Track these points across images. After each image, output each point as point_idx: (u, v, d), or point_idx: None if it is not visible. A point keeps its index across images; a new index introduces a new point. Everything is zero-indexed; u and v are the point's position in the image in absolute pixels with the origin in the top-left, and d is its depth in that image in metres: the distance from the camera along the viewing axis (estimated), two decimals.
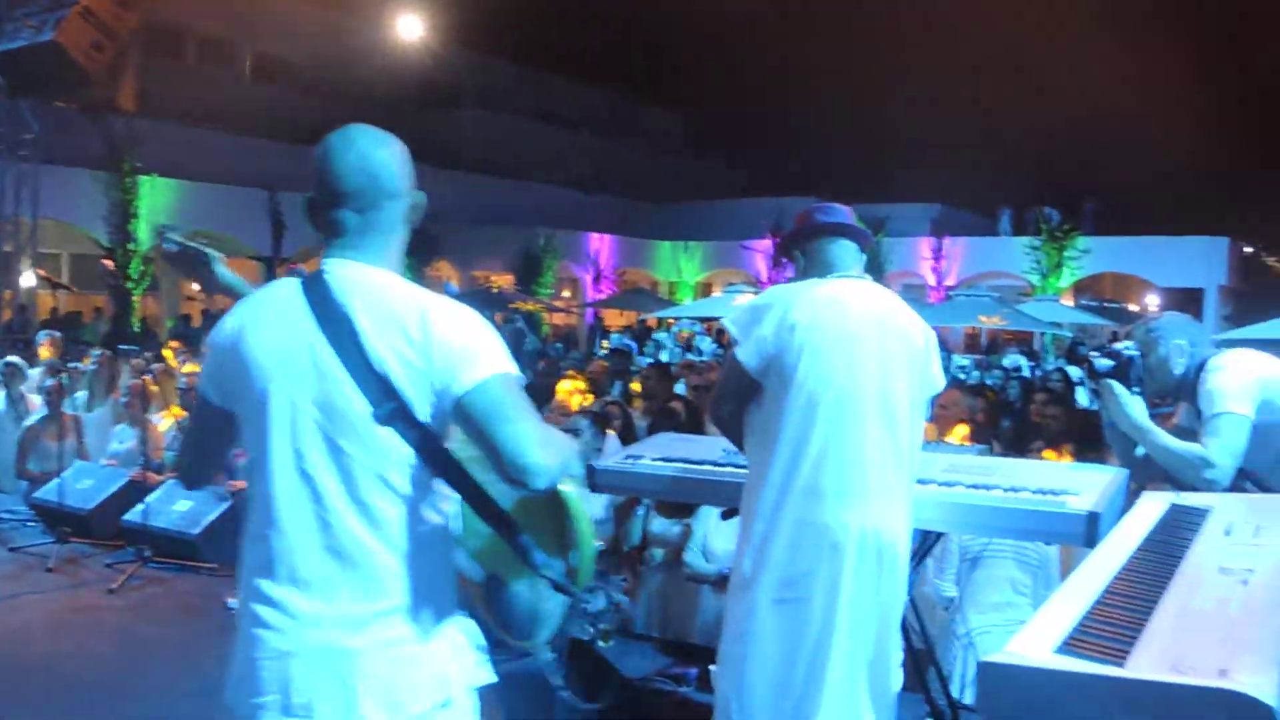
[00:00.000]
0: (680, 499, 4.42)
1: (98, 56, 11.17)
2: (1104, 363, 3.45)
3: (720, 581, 4.66)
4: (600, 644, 4.70)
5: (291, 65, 32.05)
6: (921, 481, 3.02)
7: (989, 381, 13.46)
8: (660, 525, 5.01)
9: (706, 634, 4.70)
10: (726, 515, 3.73)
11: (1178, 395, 3.62)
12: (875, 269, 25.56)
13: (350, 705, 1.82)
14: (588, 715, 3.33)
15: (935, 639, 4.09)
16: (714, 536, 4.65)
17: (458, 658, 1.95)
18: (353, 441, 1.84)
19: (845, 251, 2.97)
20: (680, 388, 7.59)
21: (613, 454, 5.73)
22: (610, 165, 37.24)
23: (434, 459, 1.88)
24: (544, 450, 1.81)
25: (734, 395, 2.90)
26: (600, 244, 32.54)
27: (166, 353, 10.68)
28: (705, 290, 36.06)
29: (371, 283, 1.92)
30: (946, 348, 18.88)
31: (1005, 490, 2.98)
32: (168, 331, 17.34)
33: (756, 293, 21.78)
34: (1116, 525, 2.38)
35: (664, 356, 14.17)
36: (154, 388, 7.67)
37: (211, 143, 23.75)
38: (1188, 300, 28.74)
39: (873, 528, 2.70)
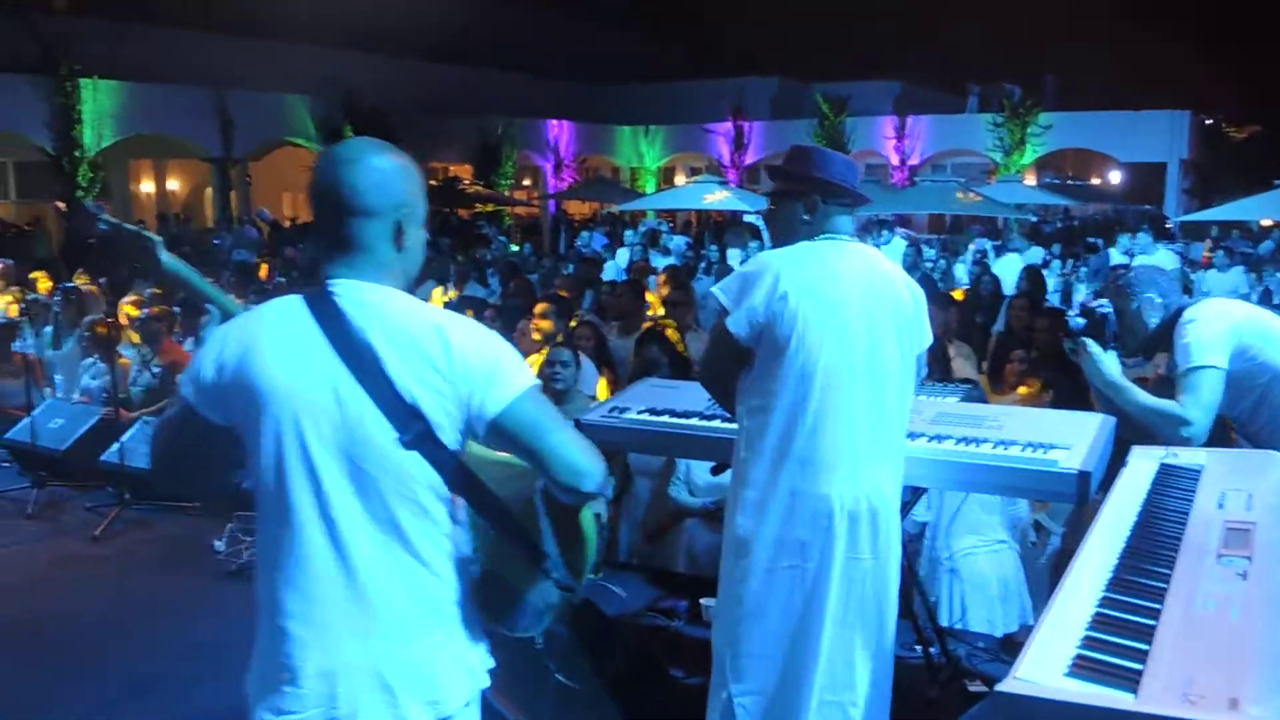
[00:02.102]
0: (668, 454, 4.44)
1: None
2: (1079, 321, 3.45)
3: (704, 514, 4.72)
4: (590, 575, 4.79)
5: None
6: (910, 435, 3.04)
7: (958, 266, 13.53)
8: (641, 458, 5.04)
9: (693, 563, 4.78)
10: (716, 471, 3.74)
11: (1155, 347, 3.65)
12: (838, 149, 25.34)
13: (395, 708, 1.90)
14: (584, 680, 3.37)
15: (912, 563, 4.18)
16: (697, 469, 4.69)
17: (480, 657, 2.04)
18: (377, 466, 1.87)
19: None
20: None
21: (588, 381, 5.76)
22: (560, 46, 36.22)
23: (457, 476, 1.94)
24: (587, 454, 1.93)
25: (724, 362, 2.90)
26: (559, 131, 31.97)
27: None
28: (668, 176, 35.69)
29: (384, 305, 1.91)
30: (911, 229, 18.93)
31: (995, 445, 3.01)
32: None
33: (723, 183, 21.64)
34: (1109, 496, 2.40)
35: (622, 258, 13.97)
36: (121, 319, 7.52)
37: (153, 39, 22.85)
38: (1150, 174, 28.85)
39: (865, 495, 2.74)
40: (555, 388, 5.19)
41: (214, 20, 25.07)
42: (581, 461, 1.90)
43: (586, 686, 3.12)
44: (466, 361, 1.89)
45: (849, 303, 2.77)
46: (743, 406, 2.89)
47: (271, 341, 1.89)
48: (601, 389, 5.74)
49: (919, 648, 3.66)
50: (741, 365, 2.86)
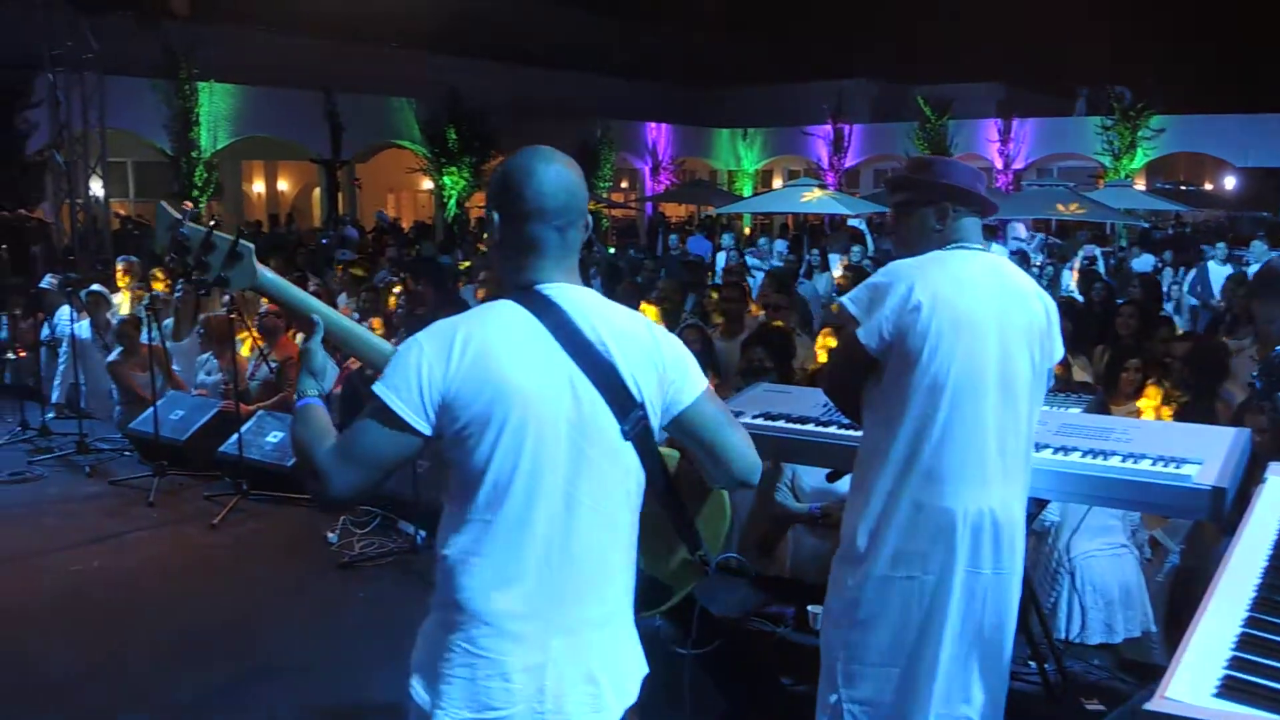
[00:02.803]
0: (784, 460, 4.41)
1: None
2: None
3: (809, 519, 4.69)
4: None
5: None
6: (1036, 447, 2.98)
7: (1066, 272, 13.23)
8: None
9: (799, 568, 4.75)
10: (832, 478, 3.71)
11: None
12: (940, 152, 24.94)
13: (598, 699, 1.96)
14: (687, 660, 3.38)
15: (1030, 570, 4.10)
16: (804, 474, 4.66)
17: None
18: (606, 457, 1.95)
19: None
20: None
21: None
22: (660, 49, 36.29)
23: (657, 466, 2.07)
24: (754, 450, 2.12)
25: (852, 372, 2.86)
26: (657, 133, 32.05)
27: None
28: (766, 179, 35.52)
29: (596, 304, 2.00)
30: (1017, 234, 18.50)
31: (1123, 458, 2.93)
32: None
33: (823, 186, 21.42)
34: (1249, 513, 2.33)
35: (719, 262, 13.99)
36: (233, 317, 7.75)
37: (267, 45, 23.55)
38: (1267, 180, 27.74)
39: (989, 509, 2.69)
40: None
41: (325, 25, 25.72)
42: (754, 457, 2.10)
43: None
44: (673, 353, 2.03)
45: (982, 314, 2.71)
46: (869, 416, 2.86)
47: (504, 344, 1.90)
48: None
49: (1034, 663, 3.58)
50: (869, 376, 2.82)
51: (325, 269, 12.20)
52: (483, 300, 7.49)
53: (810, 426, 3.39)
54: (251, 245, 2.24)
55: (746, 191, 32.33)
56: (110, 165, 16.63)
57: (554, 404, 1.90)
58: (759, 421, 3.47)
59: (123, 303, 9.22)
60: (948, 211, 2.83)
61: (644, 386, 1.96)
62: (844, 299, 2.85)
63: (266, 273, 2.26)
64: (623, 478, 1.98)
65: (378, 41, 26.26)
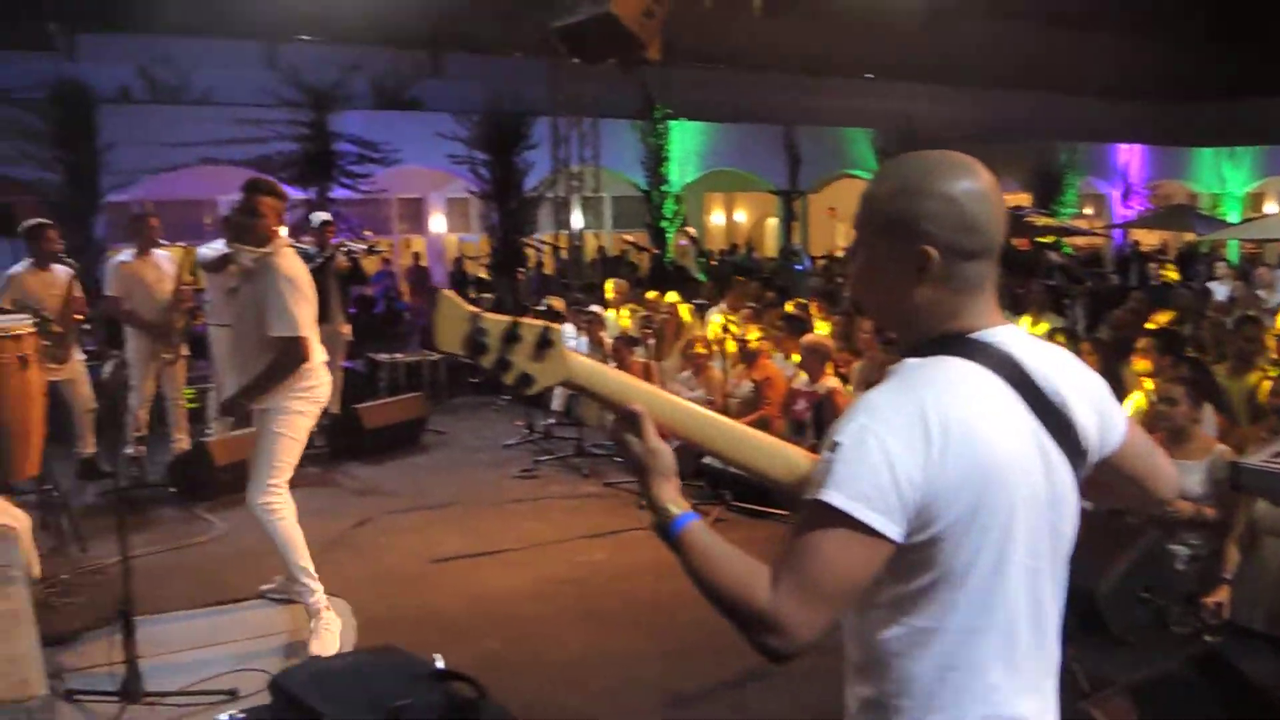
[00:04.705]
0: None
1: (648, 24, 12.00)
2: None
3: None
4: (1207, 639, 4.36)
5: None
6: None
7: None
8: (1274, 514, 4.48)
9: None
10: None
11: None
12: None
13: None
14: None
15: None
16: None
17: None
18: (1067, 524, 1.72)
19: None
20: None
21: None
22: (1134, 65, 33.64)
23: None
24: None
25: None
26: (1129, 155, 29.78)
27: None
28: (1255, 203, 31.81)
29: (1038, 348, 1.71)
30: None
31: None
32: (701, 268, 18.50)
33: None
34: None
35: (1219, 293, 12.68)
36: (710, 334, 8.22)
37: (729, 82, 24.81)
38: None
39: None
40: (1165, 426, 4.85)
41: (786, 62, 26.60)
42: (1174, 468, 1.93)
43: None
44: (1100, 385, 1.76)
45: None
46: None
47: (981, 420, 1.58)
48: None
49: None
50: None
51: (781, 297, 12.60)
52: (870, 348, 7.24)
53: None
54: (560, 329, 1.85)
55: (1233, 217, 29.11)
56: (591, 199, 18.26)
57: (1032, 481, 1.63)
58: None
59: (613, 322, 10.11)
60: None
61: (1089, 434, 1.70)
62: None
63: (578, 361, 1.85)
64: (1071, 540, 1.73)
65: (837, 74, 26.75)
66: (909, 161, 1.66)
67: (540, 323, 1.82)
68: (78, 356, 7.34)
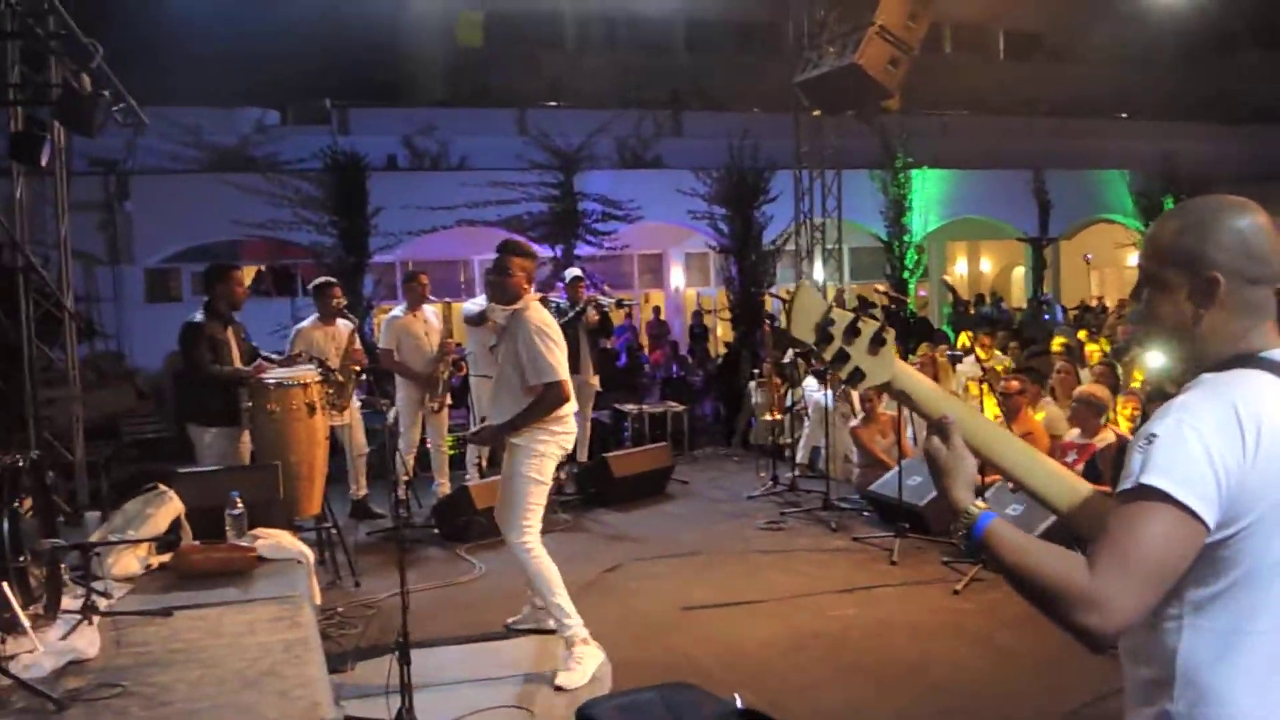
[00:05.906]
0: None
1: (893, 72, 11.86)
2: None
3: None
4: None
5: (1042, 39, 31.35)
6: None
7: None
8: None
9: None
10: None
11: None
12: None
13: None
14: None
15: None
16: None
17: None
18: None
19: None
20: None
21: None
22: None
23: None
24: None
25: None
26: None
27: (965, 339, 11.13)
28: None
29: None
30: None
31: None
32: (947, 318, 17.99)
33: None
34: None
35: None
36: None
37: (973, 128, 24.13)
38: None
39: None
40: None
41: (1033, 105, 25.69)
42: None
43: None
44: None
45: None
46: None
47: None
48: None
49: None
50: None
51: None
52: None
53: None
54: (893, 331, 1.96)
55: None
56: (830, 251, 18.10)
57: None
58: None
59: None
60: None
61: None
62: None
63: (902, 365, 1.97)
64: None
65: (1088, 115, 25.58)
66: (1192, 202, 1.79)
67: (876, 321, 1.92)
68: (354, 404, 7.89)
